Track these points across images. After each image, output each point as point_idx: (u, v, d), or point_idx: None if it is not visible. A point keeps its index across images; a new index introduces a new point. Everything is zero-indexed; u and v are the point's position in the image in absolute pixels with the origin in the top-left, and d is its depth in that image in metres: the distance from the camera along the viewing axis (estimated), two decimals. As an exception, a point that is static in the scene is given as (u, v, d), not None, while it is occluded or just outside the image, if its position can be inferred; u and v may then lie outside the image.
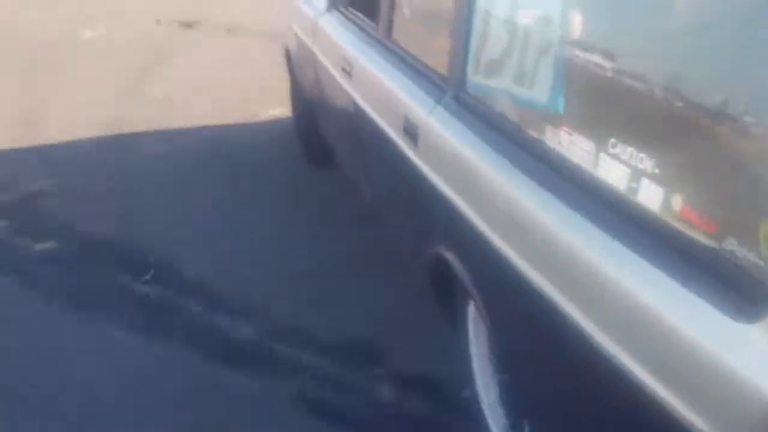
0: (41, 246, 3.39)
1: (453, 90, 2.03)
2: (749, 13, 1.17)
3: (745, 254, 1.09)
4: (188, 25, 7.43)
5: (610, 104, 1.45)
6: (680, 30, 1.30)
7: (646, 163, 1.28)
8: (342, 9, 3.27)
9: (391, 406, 2.38)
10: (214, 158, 4.28)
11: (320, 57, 3.36)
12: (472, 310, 2.10)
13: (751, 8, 1.17)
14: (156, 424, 2.32)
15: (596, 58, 1.49)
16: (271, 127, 4.76)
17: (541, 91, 1.67)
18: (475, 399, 2.18)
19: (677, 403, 1.14)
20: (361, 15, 3.00)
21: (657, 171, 1.26)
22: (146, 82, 5.65)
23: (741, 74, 1.15)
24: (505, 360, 1.92)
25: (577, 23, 1.58)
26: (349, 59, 2.87)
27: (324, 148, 3.79)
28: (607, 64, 1.46)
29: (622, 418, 1.33)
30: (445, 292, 2.17)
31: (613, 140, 1.37)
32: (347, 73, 2.86)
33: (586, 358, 1.35)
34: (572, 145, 1.49)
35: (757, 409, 1.02)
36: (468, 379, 2.21)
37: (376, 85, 2.55)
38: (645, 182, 1.28)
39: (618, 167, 1.35)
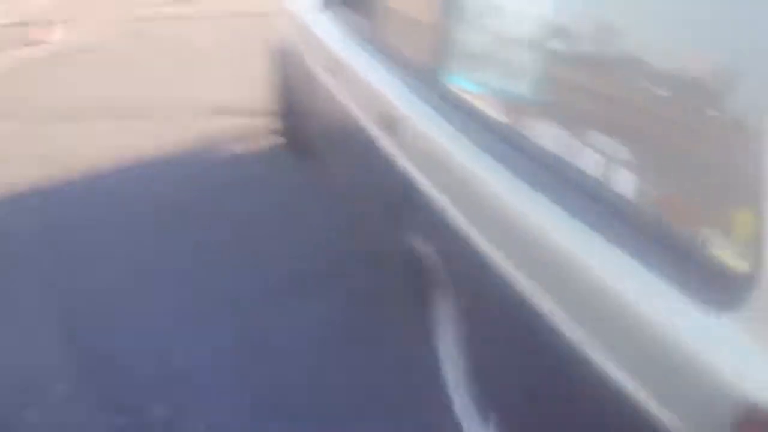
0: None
1: (434, 83, 2.05)
2: (721, 8, 1.19)
3: (719, 244, 1.11)
4: None
5: (589, 96, 1.47)
6: (659, 22, 1.32)
7: (622, 153, 1.30)
8: (326, 4, 3.27)
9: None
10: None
11: (304, 51, 3.36)
12: (443, 300, 2.11)
13: (721, 5, 1.20)
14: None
15: (575, 51, 1.52)
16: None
17: (520, 83, 1.70)
18: (443, 390, 2.19)
19: (646, 394, 1.15)
20: (345, 10, 3.01)
21: (633, 161, 1.29)
22: None
23: (717, 67, 1.18)
24: (474, 350, 1.94)
25: (556, 17, 1.61)
26: (332, 53, 2.87)
27: (306, 139, 3.78)
28: (586, 57, 1.48)
29: (591, 409, 1.35)
30: (418, 281, 2.18)
31: (590, 131, 1.39)
32: (330, 66, 2.87)
33: (557, 349, 1.37)
34: (551, 137, 1.51)
35: (725, 399, 1.02)
36: (436, 369, 2.22)
37: (358, 78, 2.56)
38: (621, 171, 1.30)
39: (594, 156, 1.37)
